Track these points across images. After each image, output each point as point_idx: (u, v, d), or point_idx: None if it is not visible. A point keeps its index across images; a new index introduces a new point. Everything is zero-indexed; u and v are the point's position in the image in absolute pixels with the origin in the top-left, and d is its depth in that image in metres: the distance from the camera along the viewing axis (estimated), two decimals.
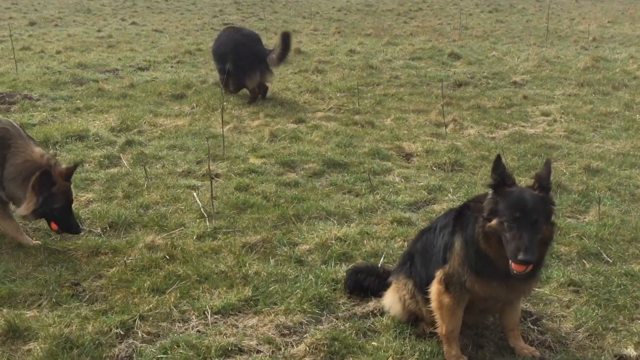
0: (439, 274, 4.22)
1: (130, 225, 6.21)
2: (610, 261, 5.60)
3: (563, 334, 4.56)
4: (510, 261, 3.80)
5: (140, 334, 4.49)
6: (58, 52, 16.08)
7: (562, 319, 4.76)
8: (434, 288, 4.25)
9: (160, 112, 10.49)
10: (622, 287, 5.15)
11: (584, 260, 5.63)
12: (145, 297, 4.93)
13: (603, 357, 4.26)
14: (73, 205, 5.83)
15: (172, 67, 14.87)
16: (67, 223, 5.62)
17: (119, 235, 6.02)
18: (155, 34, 20.65)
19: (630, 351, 4.30)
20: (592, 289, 5.10)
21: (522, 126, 10.14)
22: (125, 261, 5.44)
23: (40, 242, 5.81)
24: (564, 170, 7.91)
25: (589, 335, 4.53)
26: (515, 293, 4.13)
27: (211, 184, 6.58)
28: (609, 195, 7.14)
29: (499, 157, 4.00)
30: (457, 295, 4.14)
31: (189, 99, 11.52)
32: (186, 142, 8.84)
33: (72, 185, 5.75)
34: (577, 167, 7.99)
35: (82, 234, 5.82)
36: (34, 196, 5.42)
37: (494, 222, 3.87)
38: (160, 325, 4.62)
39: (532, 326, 4.67)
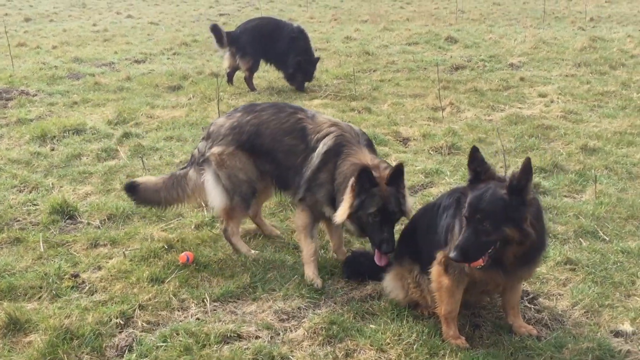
0: (439, 256, 4.22)
1: (129, 216, 6.23)
2: (607, 239, 5.63)
3: (560, 312, 4.59)
4: None
5: (140, 323, 4.52)
6: (54, 47, 16.06)
7: (558, 297, 4.79)
8: (435, 269, 4.26)
9: (157, 104, 10.49)
10: (618, 264, 5.17)
11: (580, 238, 5.65)
12: (145, 287, 4.96)
13: (599, 334, 4.28)
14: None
15: (168, 59, 14.86)
16: (380, 235, 4.71)
17: (117, 227, 6.04)
18: (150, 26, 20.62)
19: (627, 327, 4.33)
20: (588, 267, 5.12)
21: (519, 108, 10.14)
22: (124, 252, 5.47)
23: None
24: (561, 151, 7.92)
25: (585, 312, 4.56)
26: (513, 278, 4.14)
27: None
28: (606, 173, 7.15)
29: (475, 150, 3.96)
30: (456, 277, 4.15)
31: (185, 90, 11.53)
32: (183, 132, 8.85)
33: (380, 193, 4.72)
34: (574, 147, 7.99)
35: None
36: (350, 198, 4.71)
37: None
38: (160, 314, 4.65)
39: (529, 305, 4.69)
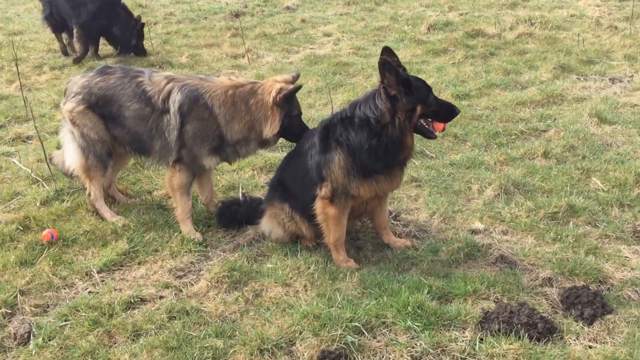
0: (322, 191, 4.54)
1: None
2: (434, 156, 6.41)
3: (422, 223, 5.23)
4: (436, 126, 4.50)
5: (28, 309, 4.27)
6: None
7: (416, 210, 5.42)
8: (319, 204, 4.59)
9: None
10: (451, 175, 5.96)
11: (412, 159, 6.34)
12: (17, 272, 4.63)
13: (461, 234, 4.98)
14: None
15: None
16: (303, 128, 5.02)
17: None
18: None
19: (479, 225, 5.08)
20: (430, 182, 5.84)
21: (312, 48, 10.69)
22: None
23: None
24: (365, 84, 8.62)
25: (442, 219, 5.24)
26: (395, 183, 4.63)
27: (42, 145, 6.11)
28: None
29: (386, 61, 4.21)
30: (341, 205, 4.53)
31: None
32: None
33: None
34: (375, 80, 8.70)
35: None
36: (276, 112, 4.84)
37: (419, 108, 4.33)
38: (46, 295, 4.42)
39: (394, 222, 5.26)
